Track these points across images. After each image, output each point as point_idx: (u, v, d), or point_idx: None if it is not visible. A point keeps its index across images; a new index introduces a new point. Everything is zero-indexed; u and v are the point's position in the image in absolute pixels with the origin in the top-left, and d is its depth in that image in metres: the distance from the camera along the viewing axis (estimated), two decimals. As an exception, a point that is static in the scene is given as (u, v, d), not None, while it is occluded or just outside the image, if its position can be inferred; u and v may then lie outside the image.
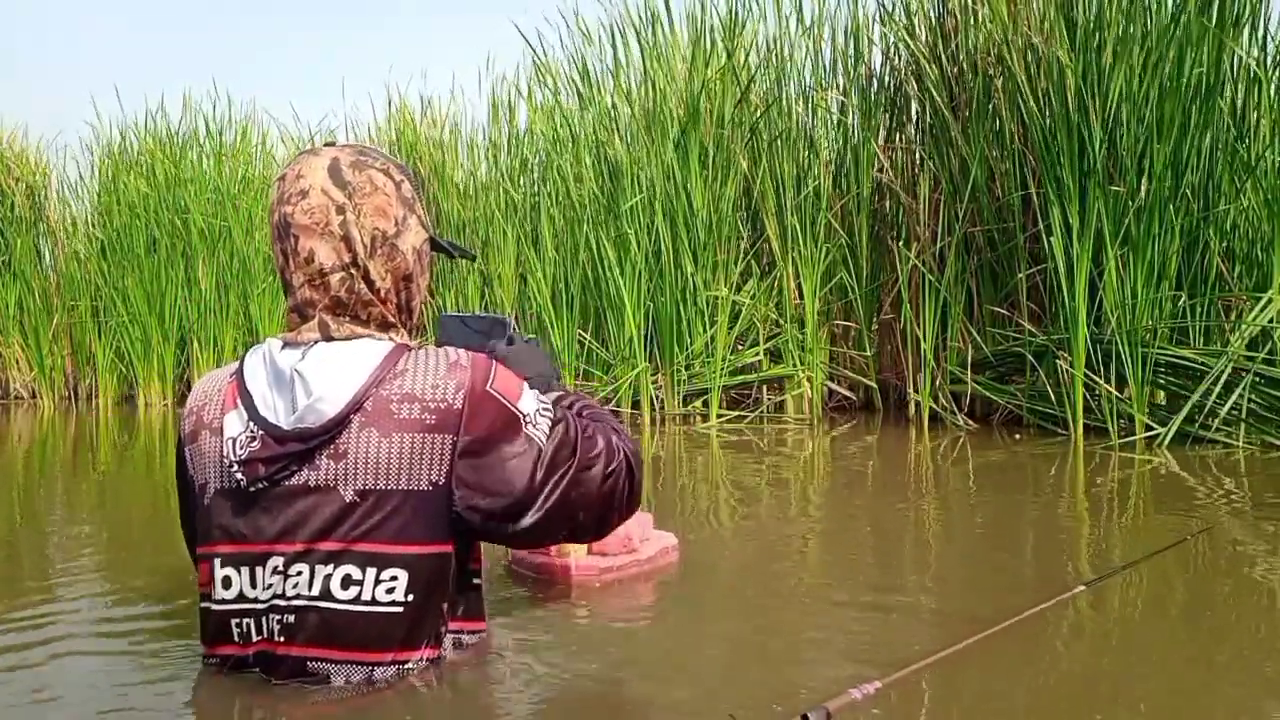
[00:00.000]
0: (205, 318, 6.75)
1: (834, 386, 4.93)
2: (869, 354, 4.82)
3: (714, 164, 4.91)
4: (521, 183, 5.84)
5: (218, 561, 1.29)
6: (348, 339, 1.30)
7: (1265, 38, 3.78)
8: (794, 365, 4.83)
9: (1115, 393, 3.76)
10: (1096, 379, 3.80)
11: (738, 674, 1.42)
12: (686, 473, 3.39)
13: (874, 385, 4.85)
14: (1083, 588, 1.67)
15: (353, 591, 1.24)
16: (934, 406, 4.43)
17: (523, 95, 6.22)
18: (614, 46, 5.56)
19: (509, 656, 1.42)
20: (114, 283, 7.06)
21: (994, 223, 4.31)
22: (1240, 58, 3.76)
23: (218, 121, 7.40)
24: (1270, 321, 3.56)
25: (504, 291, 5.49)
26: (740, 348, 4.94)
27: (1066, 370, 3.87)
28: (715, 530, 2.42)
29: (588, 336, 5.07)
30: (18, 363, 7.78)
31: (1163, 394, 3.75)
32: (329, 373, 1.25)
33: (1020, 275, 4.20)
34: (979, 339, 4.35)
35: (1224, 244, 3.78)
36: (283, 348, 1.30)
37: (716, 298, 4.84)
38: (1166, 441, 3.49)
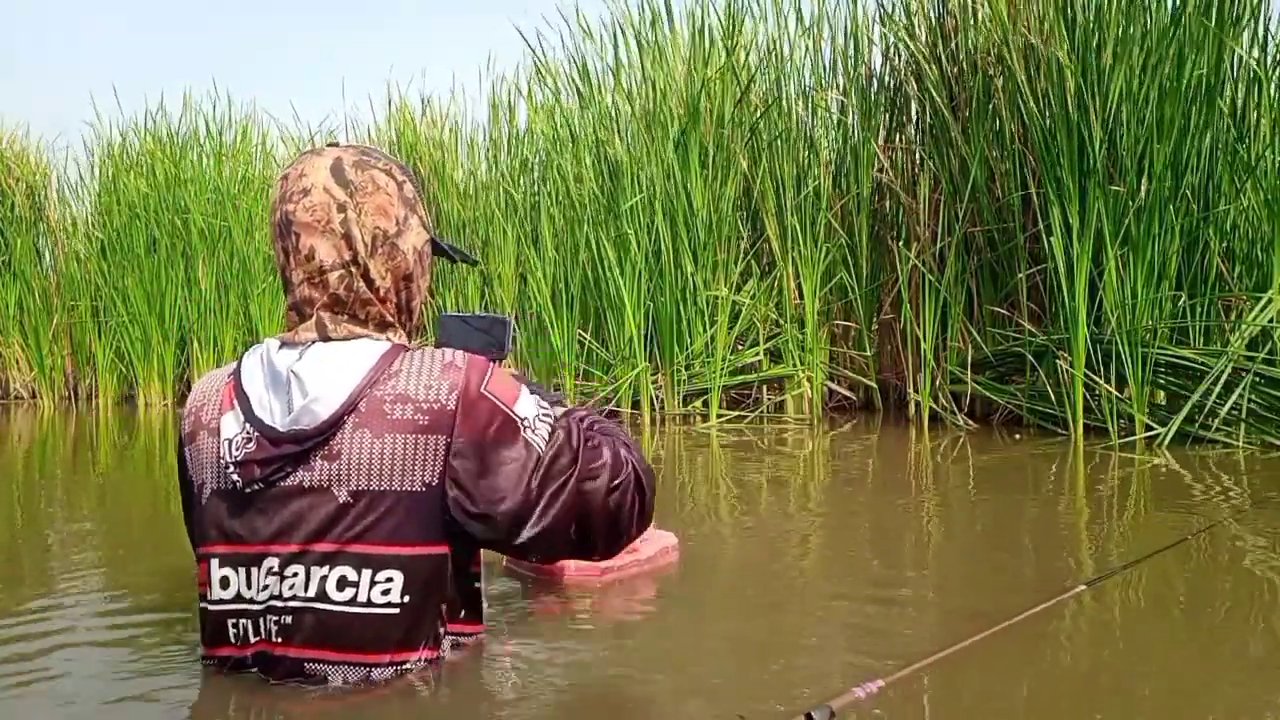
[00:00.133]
0: (205, 318, 6.75)
1: (834, 386, 4.93)
2: (869, 354, 4.82)
3: (714, 164, 4.91)
4: (521, 183, 5.84)
5: (215, 562, 1.29)
6: (345, 339, 1.30)
7: (1265, 37, 3.78)
8: (794, 365, 4.83)
9: (1115, 393, 3.76)
10: (1096, 379, 3.80)
11: (739, 673, 1.42)
12: (686, 472, 3.40)
13: (874, 385, 4.85)
14: (1084, 587, 1.67)
15: (348, 593, 1.24)
16: (934, 406, 4.43)
17: (523, 95, 6.22)
18: (614, 46, 5.57)
19: (509, 656, 1.42)
20: (114, 283, 7.06)
21: (994, 223, 4.31)
22: (1240, 57, 3.76)
23: (218, 121, 7.41)
24: (1270, 321, 3.56)
25: (504, 291, 5.49)
26: (740, 348, 4.94)
27: (1066, 370, 3.87)
28: (715, 530, 2.42)
29: (588, 336, 5.07)
30: (18, 363, 7.78)
31: (1163, 394, 3.75)
32: (325, 374, 1.25)
33: (1020, 275, 4.20)
34: (979, 339, 4.35)
35: (1224, 244, 3.78)
36: (280, 348, 1.29)
37: (716, 298, 4.84)
38: (1166, 441, 3.49)
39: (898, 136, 4.85)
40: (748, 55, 5.17)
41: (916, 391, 4.53)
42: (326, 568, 1.24)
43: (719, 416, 4.76)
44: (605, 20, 8.94)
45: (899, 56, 4.80)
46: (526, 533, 1.28)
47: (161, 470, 3.84)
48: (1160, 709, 1.27)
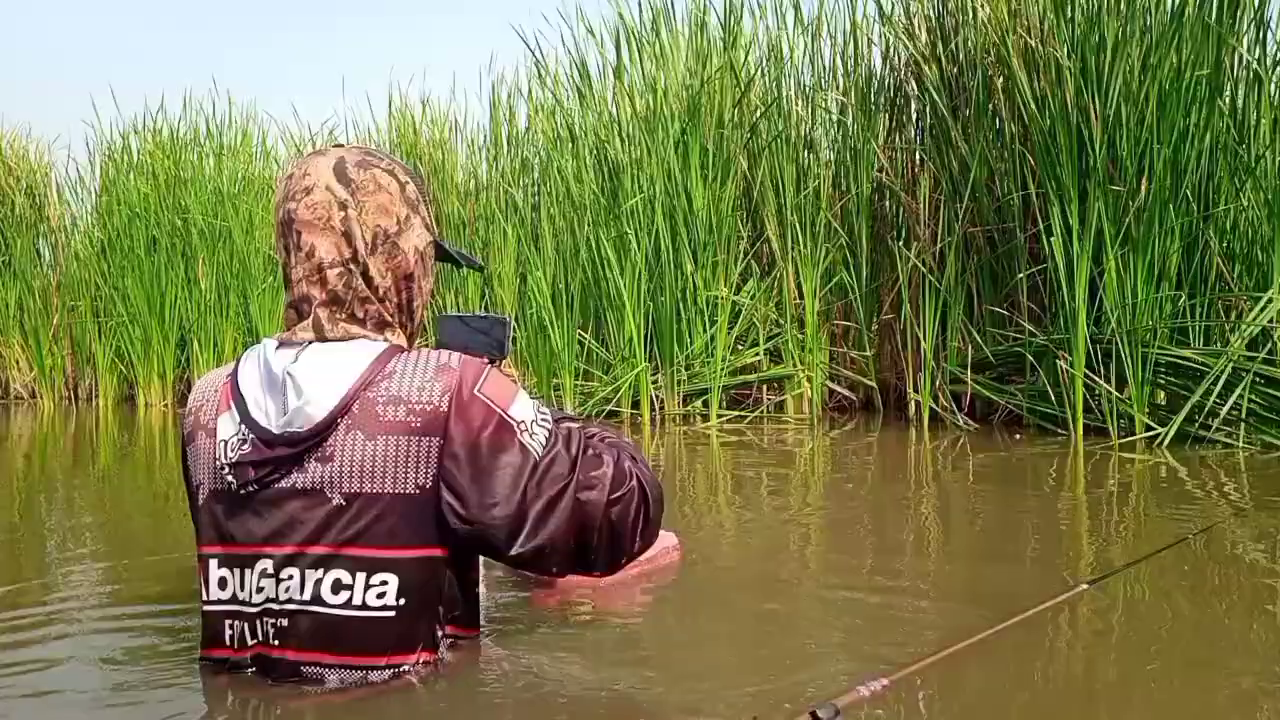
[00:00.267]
0: (205, 318, 6.75)
1: (834, 386, 4.93)
2: (869, 354, 4.82)
3: (714, 164, 4.92)
4: (521, 183, 5.84)
5: (213, 563, 1.29)
6: (342, 339, 1.29)
7: (1265, 36, 3.78)
8: (794, 365, 4.83)
9: (1115, 393, 3.76)
10: (1096, 379, 3.80)
11: (741, 673, 1.42)
12: (687, 473, 3.40)
13: (874, 385, 4.85)
14: (1085, 586, 1.67)
15: (343, 596, 1.23)
16: (934, 406, 4.43)
17: (523, 95, 6.23)
18: (615, 46, 5.56)
19: (508, 657, 1.42)
20: (114, 283, 7.06)
21: (994, 223, 4.31)
22: (1241, 57, 3.76)
23: (218, 121, 7.42)
24: (1270, 321, 3.55)
25: (504, 291, 5.49)
26: (740, 348, 4.94)
27: (1066, 370, 3.87)
28: (715, 530, 2.42)
29: (588, 336, 5.07)
30: (18, 363, 7.79)
31: (1163, 394, 3.75)
32: (319, 375, 1.25)
33: (1020, 275, 4.20)
34: (979, 339, 4.35)
35: (1224, 244, 3.78)
36: (278, 348, 1.29)
37: (716, 298, 4.84)
38: (1166, 441, 3.49)
39: (898, 136, 4.85)
40: (747, 55, 5.17)
41: (916, 391, 4.53)
42: (321, 571, 1.23)
43: (719, 416, 4.76)
44: (606, 20, 8.93)
45: (899, 57, 4.80)
46: (521, 544, 1.25)
47: (161, 470, 3.84)
48: (1161, 708, 1.27)
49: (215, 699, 1.29)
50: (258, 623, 1.26)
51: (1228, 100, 3.75)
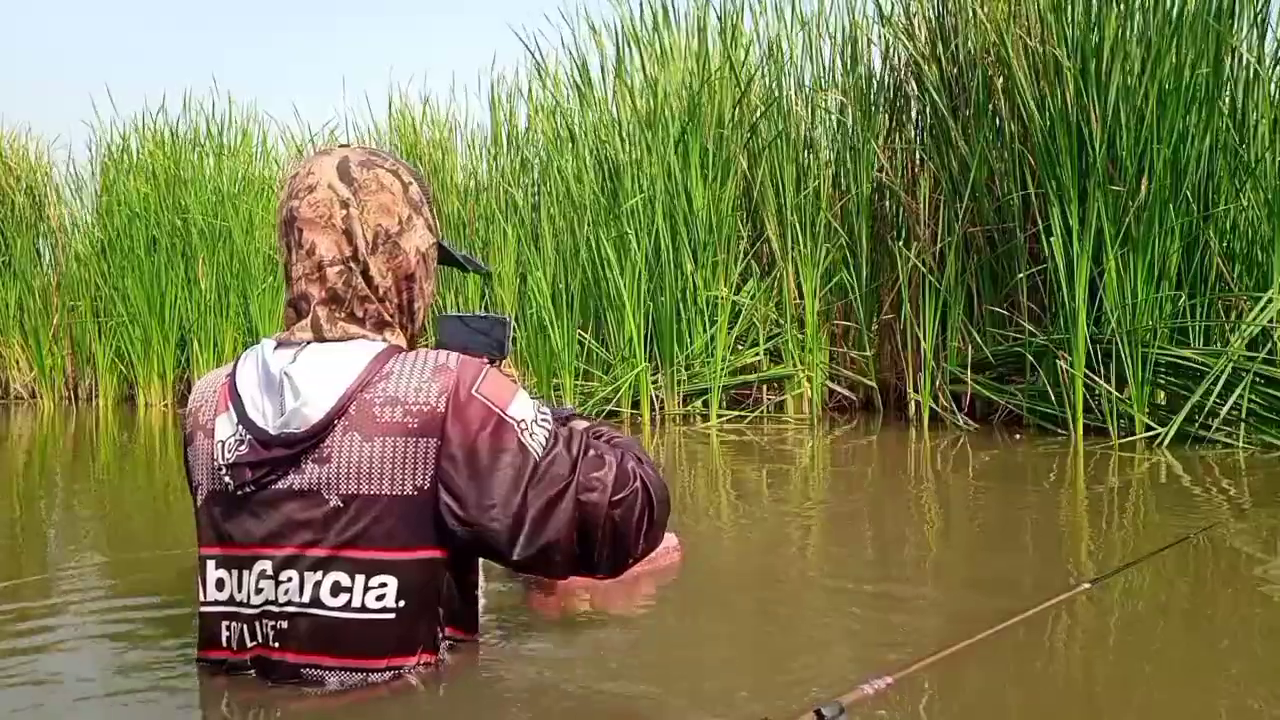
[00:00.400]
0: (205, 318, 6.75)
1: (834, 386, 4.93)
2: (869, 354, 4.82)
3: (714, 164, 4.92)
4: (521, 182, 5.84)
5: (211, 564, 1.29)
6: (339, 339, 1.29)
7: (1264, 31, 3.78)
8: (794, 365, 4.83)
9: (1115, 393, 3.76)
10: (1096, 379, 3.80)
11: (742, 673, 1.42)
12: (687, 473, 3.40)
13: (874, 385, 4.85)
14: (1088, 585, 1.67)
15: (342, 598, 1.23)
16: (934, 406, 4.43)
17: (523, 95, 6.23)
18: (615, 46, 5.57)
19: (508, 659, 1.42)
20: (114, 283, 7.07)
21: (994, 223, 4.31)
22: (1242, 57, 3.76)
23: (218, 121, 7.42)
24: (1270, 321, 3.55)
25: (504, 291, 5.49)
26: (740, 348, 4.94)
27: (1066, 370, 3.87)
28: (716, 530, 2.42)
29: (588, 336, 5.07)
30: (18, 363, 7.79)
31: (1163, 394, 3.75)
32: (316, 376, 1.24)
33: (1020, 275, 4.20)
34: (979, 339, 4.35)
35: (1224, 244, 3.78)
36: (276, 348, 1.29)
37: (716, 298, 4.84)
38: (1166, 441, 3.49)
39: (897, 136, 4.85)
40: (747, 54, 5.17)
41: (916, 391, 4.53)
42: (320, 573, 1.23)
43: (719, 416, 4.76)
44: (606, 20, 8.94)
45: (898, 56, 4.80)
46: (522, 548, 1.24)
47: (161, 470, 3.84)
48: (1162, 707, 1.27)
49: (213, 700, 1.29)
50: (256, 625, 1.26)
51: (1227, 100, 3.75)
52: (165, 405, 6.90)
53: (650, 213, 4.85)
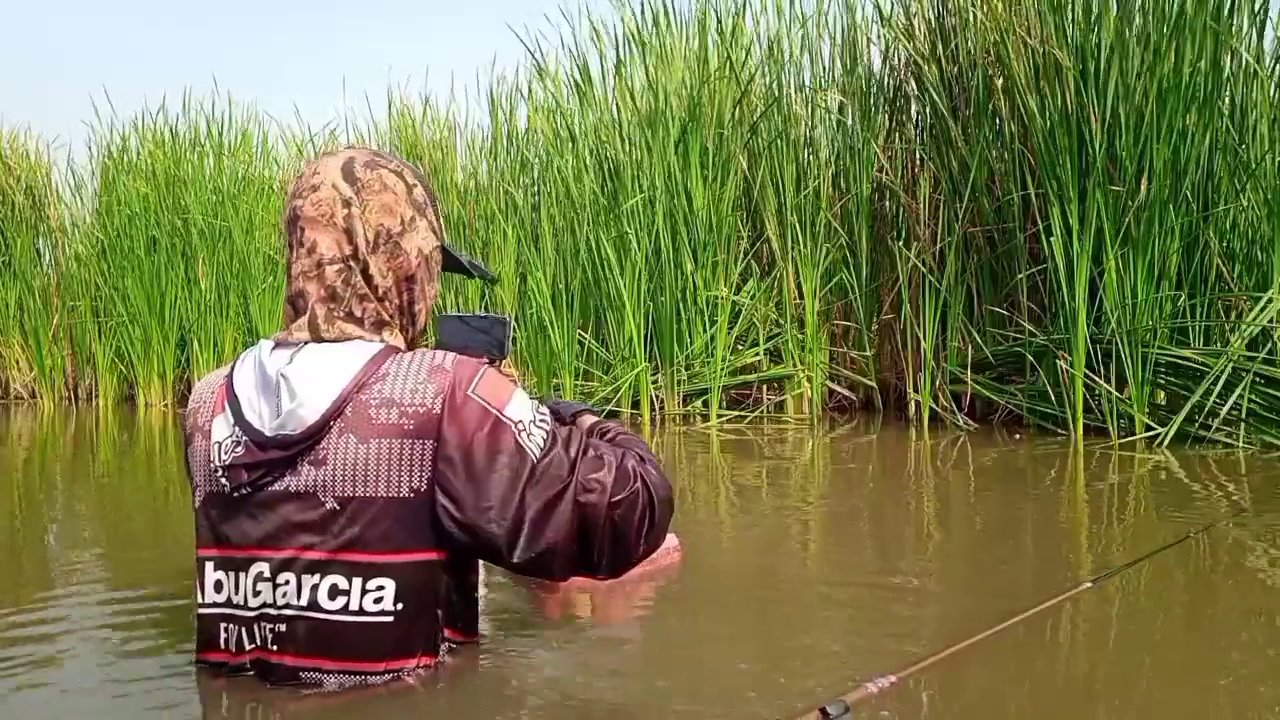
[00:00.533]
0: (205, 318, 6.75)
1: (834, 386, 4.94)
2: (869, 354, 4.82)
3: (714, 164, 4.92)
4: (521, 182, 5.84)
5: (210, 565, 1.29)
6: (337, 339, 1.28)
7: (1262, 29, 3.78)
8: (794, 365, 4.83)
9: (1115, 393, 3.76)
10: (1096, 379, 3.80)
11: (743, 673, 1.41)
12: (687, 473, 3.39)
13: (874, 385, 4.85)
14: (1089, 584, 1.68)
15: (340, 601, 1.22)
16: (934, 406, 4.43)
17: (523, 96, 6.22)
18: (615, 46, 5.57)
19: (508, 660, 1.41)
20: (114, 283, 7.06)
21: (994, 223, 4.31)
22: (1240, 56, 3.76)
23: (218, 121, 7.42)
24: (1270, 321, 3.56)
25: (504, 291, 5.49)
26: (740, 348, 4.94)
27: (1066, 370, 3.87)
28: (716, 530, 2.42)
29: (588, 336, 5.07)
30: (18, 363, 7.79)
31: (1163, 394, 3.75)
32: (313, 377, 1.24)
33: (1020, 275, 4.20)
34: (979, 339, 4.35)
35: (1224, 244, 3.78)
36: (274, 349, 1.28)
37: (716, 298, 4.84)
38: (1166, 441, 3.49)
39: (897, 136, 4.85)
40: (747, 54, 5.17)
41: (916, 391, 4.53)
42: (317, 576, 1.22)
43: (719, 416, 4.76)
44: (606, 21, 8.94)
45: (898, 57, 4.80)
46: (521, 551, 1.24)
47: (161, 470, 3.84)
48: (1162, 706, 1.27)
49: (212, 701, 1.29)
50: (255, 627, 1.26)
51: (1227, 100, 3.75)
52: (165, 405, 6.90)
53: (650, 213, 4.85)
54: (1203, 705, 1.27)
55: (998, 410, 4.25)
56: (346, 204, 1.29)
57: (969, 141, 4.30)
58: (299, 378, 1.23)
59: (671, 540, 2.04)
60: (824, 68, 5.08)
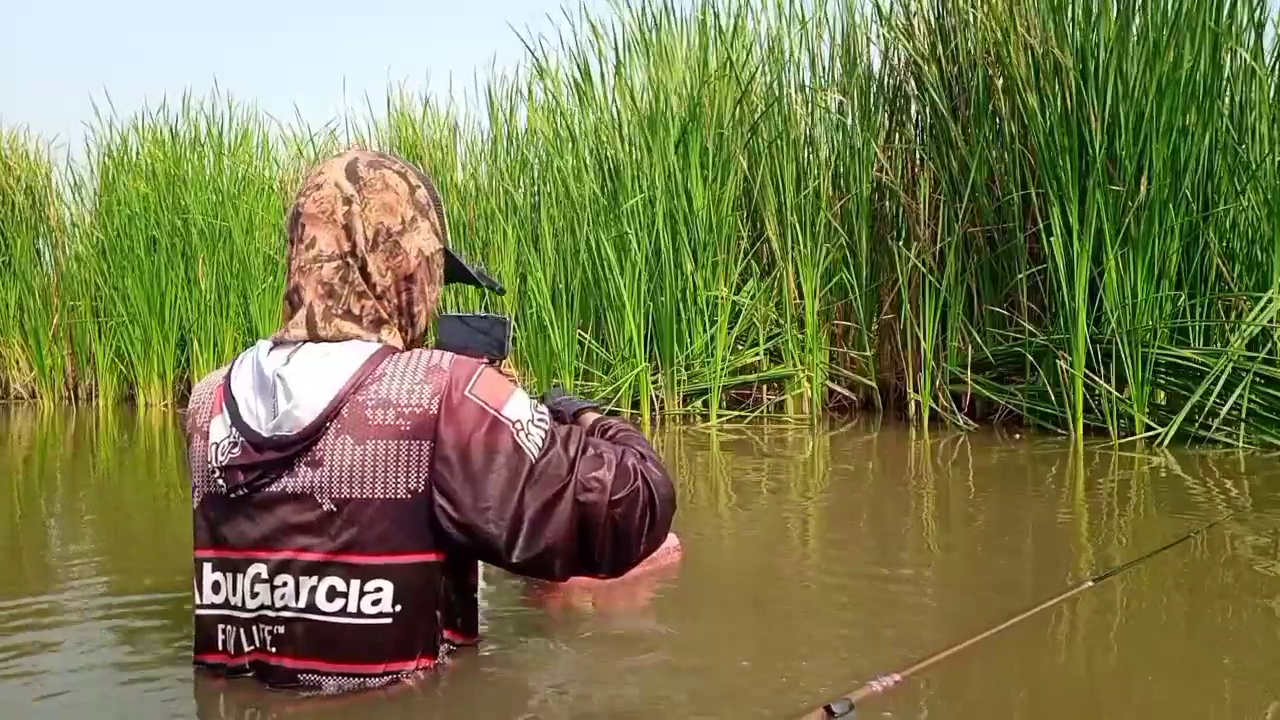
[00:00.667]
0: (205, 318, 6.75)
1: (834, 386, 4.94)
2: (869, 354, 4.82)
3: (714, 164, 4.92)
4: (521, 182, 5.84)
5: (208, 566, 1.28)
6: (334, 339, 1.28)
7: (1262, 30, 3.78)
8: (794, 365, 4.83)
9: (1115, 393, 3.76)
10: (1096, 379, 3.80)
11: (744, 673, 1.41)
12: (687, 473, 3.39)
13: (874, 385, 4.85)
14: (1090, 584, 1.67)
15: (338, 603, 1.22)
16: (934, 406, 4.43)
17: (523, 96, 6.22)
18: (615, 46, 5.57)
19: (508, 661, 1.41)
20: (114, 283, 7.06)
21: (994, 223, 4.31)
22: (1243, 58, 3.76)
23: (218, 121, 7.41)
24: (1270, 321, 3.56)
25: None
26: (740, 348, 4.94)
27: (1066, 370, 3.87)
28: (717, 530, 2.42)
29: (588, 336, 5.07)
30: (18, 363, 7.79)
31: (1163, 394, 3.75)
32: (309, 378, 1.23)
33: (1020, 275, 4.20)
34: (979, 339, 4.35)
35: (1224, 244, 3.78)
36: (271, 350, 1.28)
37: (716, 298, 4.84)
38: (1166, 441, 3.49)
39: (897, 136, 4.85)
40: (748, 54, 5.17)
41: (916, 391, 4.53)
42: (315, 578, 1.22)
43: (719, 416, 4.76)
44: (605, 21, 8.94)
45: (898, 57, 4.80)
46: (521, 551, 1.23)
47: (161, 470, 3.84)
48: (1163, 705, 1.27)
49: (210, 702, 1.29)
50: (253, 629, 1.25)
51: (1227, 100, 3.75)
52: (165, 405, 6.90)
53: (650, 213, 4.85)
54: (1203, 705, 1.27)
55: (998, 410, 4.25)
56: (347, 201, 1.30)
57: (969, 141, 4.30)
58: (295, 378, 1.23)
59: (672, 540, 2.04)
60: (824, 67, 5.09)
